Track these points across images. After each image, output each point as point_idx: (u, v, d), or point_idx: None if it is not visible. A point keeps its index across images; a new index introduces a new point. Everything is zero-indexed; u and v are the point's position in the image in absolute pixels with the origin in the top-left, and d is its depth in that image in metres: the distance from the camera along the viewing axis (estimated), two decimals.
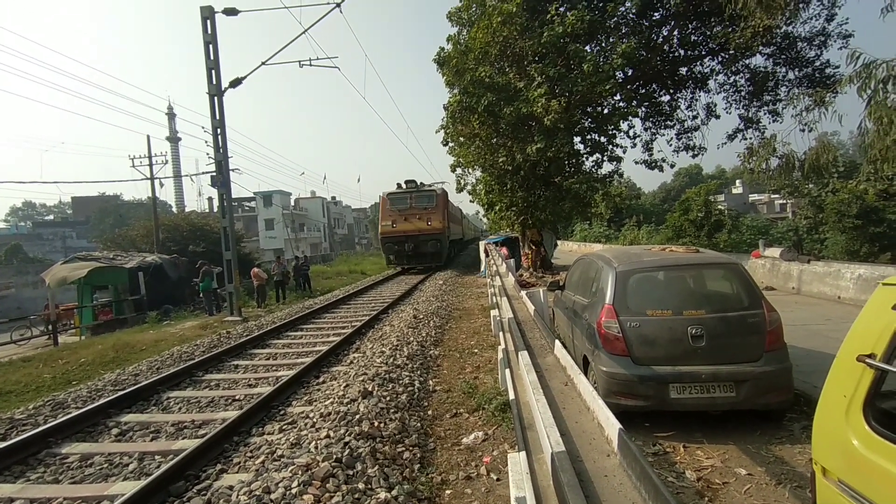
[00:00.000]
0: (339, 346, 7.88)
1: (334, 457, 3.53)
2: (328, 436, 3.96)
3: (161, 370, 7.15)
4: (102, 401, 5.46)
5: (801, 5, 13.08)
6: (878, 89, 7.37)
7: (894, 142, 7.77)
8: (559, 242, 32.73)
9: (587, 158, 17.44)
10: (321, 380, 6.25)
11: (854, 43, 17.07)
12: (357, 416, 4.38)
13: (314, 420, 4.50)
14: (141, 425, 4.90)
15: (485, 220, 21.36)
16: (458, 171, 18.88)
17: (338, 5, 12.44)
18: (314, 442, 3.88)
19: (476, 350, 7.42)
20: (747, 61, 15.91)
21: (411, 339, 7.96)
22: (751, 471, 3.51)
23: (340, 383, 5.70)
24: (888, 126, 7.49)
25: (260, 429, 4.63)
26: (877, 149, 8.24)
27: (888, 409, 1.78)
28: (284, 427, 4.55)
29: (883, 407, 1.74)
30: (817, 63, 14.91)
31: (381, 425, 4.23)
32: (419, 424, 4.60)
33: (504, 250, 14.56)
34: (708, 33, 15.17)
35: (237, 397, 5.67)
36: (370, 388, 5.14)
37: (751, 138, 16.68)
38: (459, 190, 19.15)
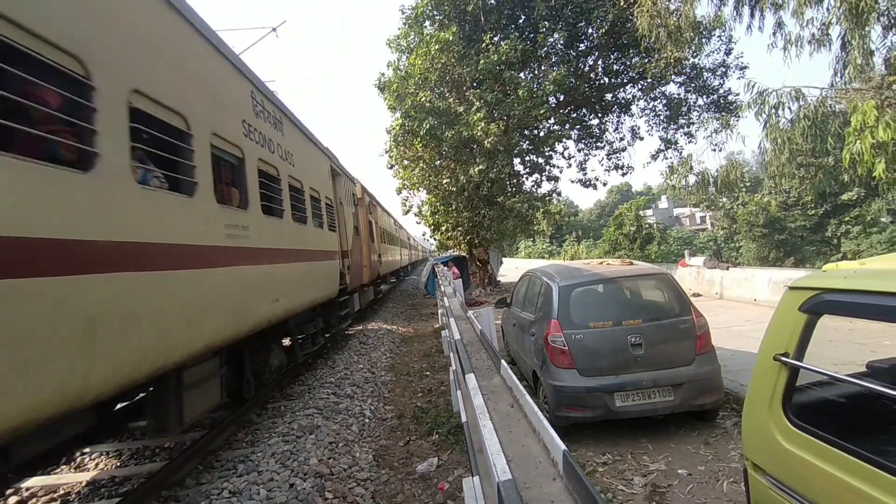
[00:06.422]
0: None
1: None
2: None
3: None
4: None
5: (703, 40, 14.78)
6: (771, 114, 8.40)
7: (788, 159, 8.85)
8: (504, 260, 33.52)
9: (527, 178, 18.28)
10: None
11: (750, 73, 19.38)
12: None
13: None
14: None
15: (431, 240, 21.30)
16: (404, 193, 18.96)
17: (274, 30, 12.25)
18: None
19: (428, 372, 7.30)
20: (663, 89, 17.57)
21: None
22: (691, 471, 3.68)
23: None
24: (782, 146, 8.53)
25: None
26: (775, 165, 9.36)
27: (804, 402, 1.93)
28: None
29: (799, 401, 1.88)
30: (721, 91, 16.74)
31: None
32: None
33: (454, 270, 14.63)
34: (628, 63, 16.57)
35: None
36: None
37: (671, 158, 18.29)
38: (406, 212, 19.17)
